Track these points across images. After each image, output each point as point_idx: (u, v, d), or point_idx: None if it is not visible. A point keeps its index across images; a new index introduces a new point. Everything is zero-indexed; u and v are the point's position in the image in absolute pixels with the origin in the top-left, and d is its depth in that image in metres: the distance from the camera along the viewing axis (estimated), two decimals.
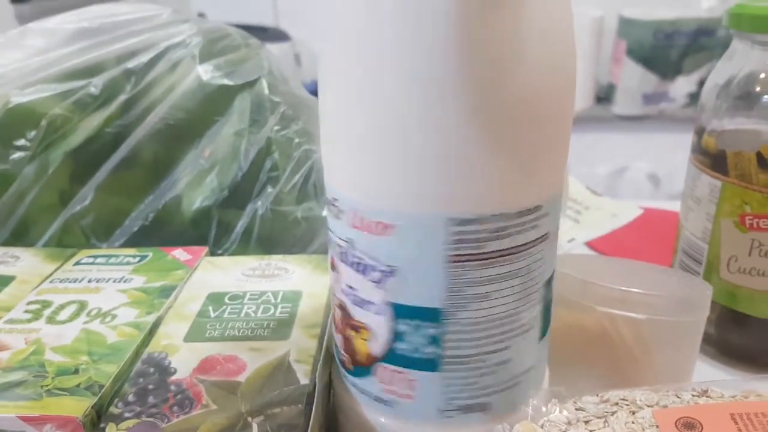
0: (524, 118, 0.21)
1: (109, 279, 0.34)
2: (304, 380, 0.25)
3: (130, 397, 0.25)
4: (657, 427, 0.21)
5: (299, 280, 0.33)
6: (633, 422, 0.21)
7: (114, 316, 0.30)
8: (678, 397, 0.23)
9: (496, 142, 0.20)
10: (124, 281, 0.34)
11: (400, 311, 0.23)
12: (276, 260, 0.35)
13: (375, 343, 0.24)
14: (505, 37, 0.19)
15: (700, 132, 0.36)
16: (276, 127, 0.40)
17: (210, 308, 0.31)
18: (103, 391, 0.25)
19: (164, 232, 0.40)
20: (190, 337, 0.29)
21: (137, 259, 0.36)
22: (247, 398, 0.25)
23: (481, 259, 0.22)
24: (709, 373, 0.34)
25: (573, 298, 0.30)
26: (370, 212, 0.22)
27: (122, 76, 0.41)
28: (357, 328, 0.24)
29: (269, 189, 0.40)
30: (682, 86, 1.71)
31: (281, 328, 0.29)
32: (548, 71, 0.21)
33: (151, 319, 0.30)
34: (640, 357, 0.29)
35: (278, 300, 0.31)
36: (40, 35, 0.45)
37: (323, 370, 0.27)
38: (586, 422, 0.22)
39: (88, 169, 0.40)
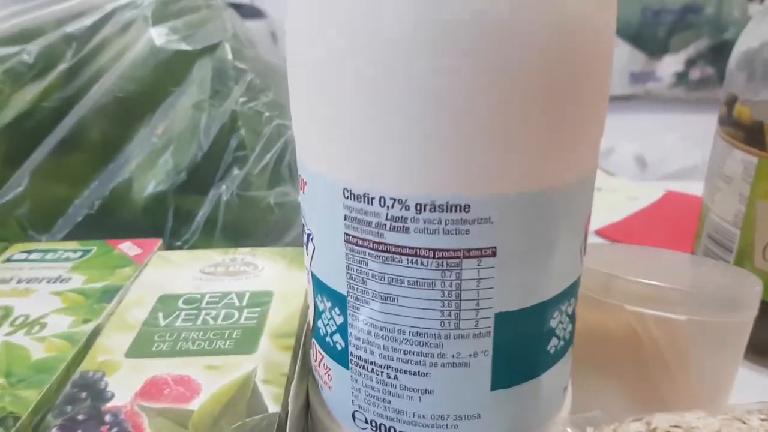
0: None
1: (42, 279, 0.28)
2: (273, 407, 0.20)
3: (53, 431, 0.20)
4: None
5: (270, 279, 0.28)
6: None
7: (43, 326, 0.25)
8: (744, 422, 0.18)
9: (384, 108, 0.16)
10: (61, 281, 0.28)
11: (318, 285, 0.20)
12: (243, 254, 0.30)
13: (310, 313, 0.22)
14: None
15: (730, 102, 0.31)
16: (242, 99, 0.35)
17: (160, 314, 0.25)
18: (18, 425, 0.20)
19: (113, 222, 0.34)
20: (133, 352, 0.23)
21: (78, 254, 0.31)
22: (206, 428, 0.19)
23: (380, 250, 0.18)
24: (746, 377, 0.29)
25: (595, 295, 0.25)
26: (299, 166, 0.20)
27: (62, 42, 0.35)
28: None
29: (235, 171, 0.34)
30: (669, 65, 1.67)
31: (246, 339, 0.24)
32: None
33: (88, 328, 0.25)
34: (675, 364, 0.24)
35: (244, 303, 0.26)
36: None
37: (298, 390, 0.22)
38: None
39: (23, 149, 0.34)
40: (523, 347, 0.19)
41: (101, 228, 0.34)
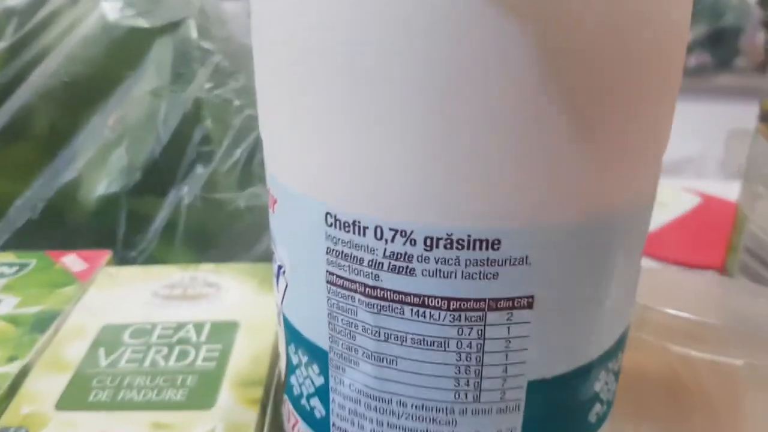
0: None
1: None
2: None
3: None
4: None
5: (236, 304, 0.23)
6: None
7: None
8: None
9: (386, 111, 0.12)
10: None
11: (291, 333, 0.16)
12: (205, 272, 0.25)
13: (282, 364, 0.17)
14: None
15: None
16: (208, 85, 0.30)
17: (101, 351, 0.21)
18: None
19: (58, 227, 0.29)
20: (65, 403, 0.19)
21: (14, 268, 0.26)
22: None
23: (374, 297, 0.13)
24: None
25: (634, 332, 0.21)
26: (269, 180, 0.15)
27: (0, 17, 0.30)
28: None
29: (199, 169, 0.29)
30: None
31: (204, 387, 0.19)
32: None
33: (13, 369, 0.20)
34: (726, 414, 0.20)
35: (202, 338, 0.21)
36: None
37: None
38: None
39: None
40: (560, 421, 0.14)
41: (44, 235, 0.29)
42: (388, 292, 0.13)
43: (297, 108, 0.13)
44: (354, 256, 0.13)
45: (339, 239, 0.13)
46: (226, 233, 0.30)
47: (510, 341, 0.13)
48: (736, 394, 0.20)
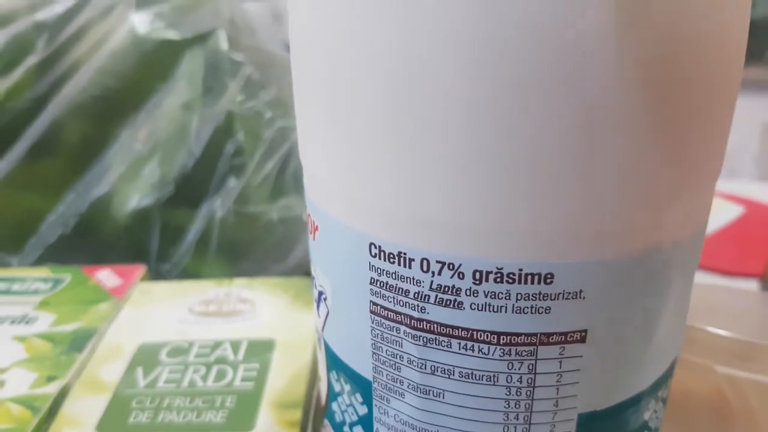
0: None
1: (6, 319, 0.24)
2: None
3: None
4: None
5: (271, 321, 0.23)
6: None
7: (2, 384, 0.20)
8: None
9: (435, 147, 0.11)
10: (26, 322, 0.24)
11: (333, 360, 0.15)
12: (239, 287, 0.25)
13: (322, 388, 0.17)
14: None
15: None
16: (239, 97, 0.30)
17: (139, 371, 0.21)
18: None
19: (91, 242, 0.30)
20: (106, 425, 0.19)
21: (49, 284, 0.26)
22: None
23: (421, 329, 0.13)
24: None
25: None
26: (310, 207, 0.15)
27: (31, 31, 0.30)
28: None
29: (232, 182, 0.29)
30: None
31: (242, 409, 0.19)
32: None
33: (52, 389, 0.20)
34: None
35: (239, 357, 0.21)
36: None
37: None
38: None
39: None
40: None
41: (78, 248, 0.30)
42: (435, 325, 0.13)
43: (340, 137, 0.13)
44: (399, 288, 0.13)
45: (383, 270, 0.13)
46: (259, 246, 0.29)
47: (561, 375, 0.13)
48: None
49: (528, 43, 0.10)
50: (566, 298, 0.12)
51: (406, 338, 0.13)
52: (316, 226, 0.15)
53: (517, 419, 0.13)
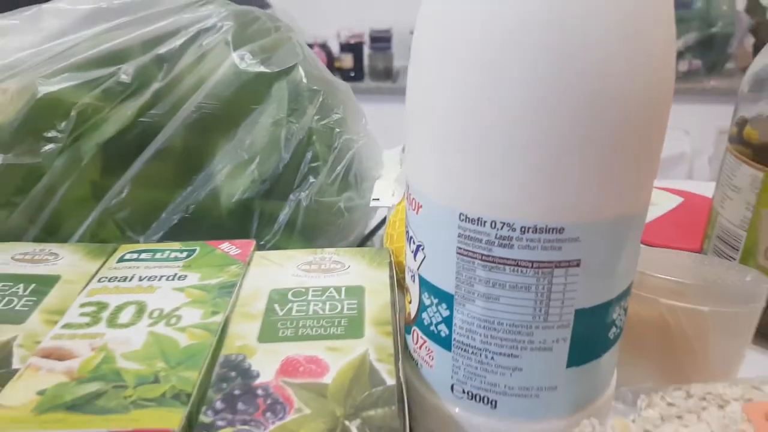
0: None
1: (161, 277, 0.33)
2: (390, 380, 0.26)
3: (218, 404, 0.25)
4: (749, 421, 0.22)
5: (358, 275, 0.33)
6: (724, 417, 0.22)
7: (179, 318, 0.30)
8: (759, 389, 0.24)
9: (500, 155, 0.21)
10: (179, 278, 0.33)
11: (425, 285, 0.26)
12: (329, 254, 0.35)
13: (413, 307, 0.28)
14: None
15: (741, 124, 0.37)
16: (316, 117, 0.40)
17: (276, 306, 0.31)
18: (191, 399, 0.25)
19: (202, 224, 0.39)
20: (264, 338, 0.29)
21: (184, 254, 0.36)
22: (338, 401, 0.25)
23: (487, 260, 0.23)
24: (753, 358, 0.35)
25: (632, 290, 0.31)
26: (412, 192, 0.25)
27: (153, 63, 0.40)
28: (407, 290, 0.29)
29: (311, 179, 0.39)
30: None
31: (353, 325, 0.29)
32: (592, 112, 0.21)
33: (218, 319, 0.30)
34: (698, 347, 0.30)
35: (342, 296, 0.31)
36: (55, 16, 0.43)
37: (402, 367, 0.27)
38: (679, 417, 0.23)
39: (120, 160, 0.39)
40: (592, 335, 0.24)
41: (192, 230, 0.39)
42: (497, 258, 0.23)
43: (446, 152, 0.23)
44: (476, 238, 0.23)
45: (467, 228, 0.23)
46: (331, 227, 0.39)
47: (566, 285, 0.23)
48: (705, 330, 0.30)
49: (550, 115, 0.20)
50: (570, 241, 0.22)
51: (478, 267, 0.23)
52: (420, 204, 0.25)
53: (540, 311, 0.23)
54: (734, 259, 0.38)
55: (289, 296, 0.31)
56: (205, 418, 0.24)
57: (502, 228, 0.22)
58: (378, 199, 0.40)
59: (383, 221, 0.48)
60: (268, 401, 0.25)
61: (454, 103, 0.21)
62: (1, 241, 0.37)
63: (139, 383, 0.26)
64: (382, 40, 1.98)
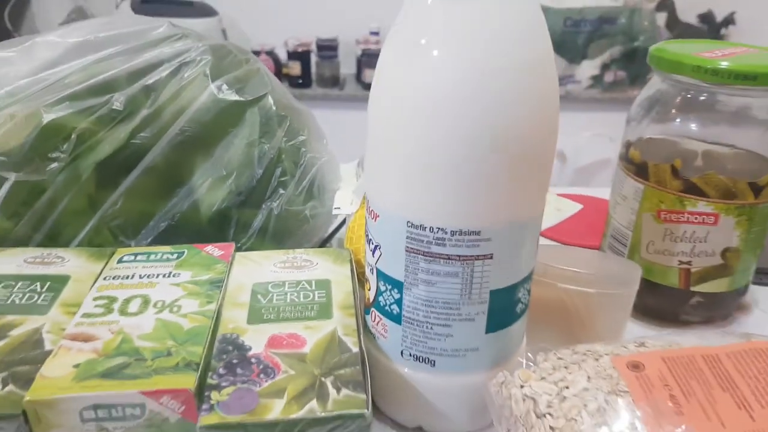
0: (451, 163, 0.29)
1: (158, 275, 0.40)
2: (354, 349, 0.34)
3: (221, 370, 0.32)
4: (614, 368, 0.31)
5: (325, 270, 0.41)
6: (597, 366, 0.31)
7: (179, 307, 0.37)
8: (625, 347, 0.33)
9: (436, 180, 0.29)
10: (173, 276, 0.40)
11: (381, 275, 0.34)
12: (300, 254, 0.42)
13: (371, 293, 0.35)
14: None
15: (627, 146, 0.46)
16: (284, 139, 0.47)
17: (259, 296, 0.38)
18: (200, 367, 0.32)
19: (186, 231, 0.46)
20: (251, 321, 0.36)
21: (175, 255, 0.42)
22: (315, 364, 0.32)
23: (427, 255, 0.31)
24: (634, 328, 0.45)
25: (537, 277, 0.39)
26: (370, 203, 0.33)
27: (141, 92, 0.46)
28: (366, 280, 0.36)
29: (281, 191, 0.46)
30: (586, 69, 1.87)
31: (323, 309, 0.37)
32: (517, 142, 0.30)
33: (213, 307, 0.37)
34: (587, 321, 0.39)
35: (313, 287, 0.39)
36: (47, 48, 0.49)
37: (363, 335, 0.35)
38: (566, 367, 0.31)
39: (114, 176, 0.45)
40: (503, 309, 0.33)
41: (177, 236, 0.46)
42: (434, 254, 0.31)
43: (397, 173, 0.30)
44: (419, 239, 0.31)
45: (413, 232, 0.31)
46: (297, 232, 0.47)
47: (483, 272, 0.31)
48: (593, 308, 0.39)
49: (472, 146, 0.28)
50: (485, 241, 0.30)
51: (421, 260, 0.31)
52: (377, 215, 0.32)
53: (466, 292, 0.31)
54: (624, 254, 0.47)
55: (269, 288, 0.39)
56: (211, 380, 0.32)
57: (437, 232, 0.30)
58: (339, 208, 0.47)
59: (340, 226, 0.55)
60: (261, 366, 0.32)
61: (402, 145, 0.29)
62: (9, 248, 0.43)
63: (155, 356, 0.32)
64: (328, 49, 2.06)
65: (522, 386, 0.31)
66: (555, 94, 0.30)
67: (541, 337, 0.38)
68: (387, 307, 0.34)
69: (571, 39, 1.83)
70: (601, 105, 1.93)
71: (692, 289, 0.45)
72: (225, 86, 0.47)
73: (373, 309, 0.35)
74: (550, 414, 0.29)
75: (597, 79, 1.93)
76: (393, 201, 0.31)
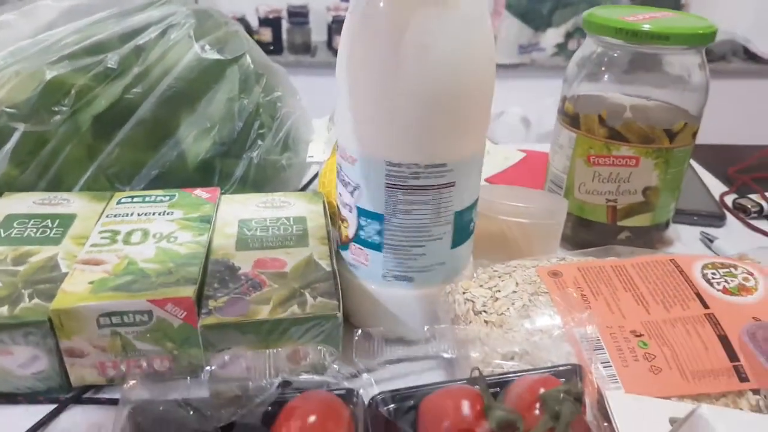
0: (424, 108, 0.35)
1: (154, 213, 0.46)
2: (328, 268, 0.40)
3: (216, 285, 0.38)
4: (538, 276, 0.38)
5: (301, 210, 0.47)
6: (525, 275, 0.38)
7: (175, 238, 0.43)
8: (548, 261, 0.40)
9: (410, 124, 0.36)
10: (167, 214, 0.46)
11: (362, 212, 0.39)
12: (278, 196, 0.48)
13: (350, 230, 0.41)
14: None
15: (563, 100, 0.53)
16: (262, 94, 0.52)
17: (245, 229, 0.44)
18: (197, 282, 0.38)
19: (175, 178, 0.51)
20: (239, 248, 0.42)
21: (167, 198, 0.48)
22: (295, 280, 0.39)
23: (404, 189, 0.37)
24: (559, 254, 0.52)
25: (484, 212, 0.46)
26: (347, 150, 0.38)
27: (132, 52, 0.51)
28: (342, 220, 0.41)
29: (259, 142, 0.52)
30: (551, 37, 1.94)
31: (301, 240, 0.43)
32: (464, 76, 0.36)
33: (204, 238, 0.43)
34: (524, 247, 0.46)
35: (291, 222, 0.45)
36: (45, 11, 0.53)
37: (335, 261, 0.41)
38: (499, 277, 0.38)
39: (109, 128, 0.50)
40: (463, 227, 0.40)
41: (167, 183, 0.51)
42: (411, 186, 0.37)
43: (378, 122, 0.36)
44: (398, 175, 0.37)
45: (392, 170, 0.37)
46: (275, 179, 0.53)
47: (450, 197, 0.38)
48: (528, 236, 0.46)
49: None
50: (448, 171, 0.37)
51: (399, 193, 0.37)
52: (355, 158, 0.38)
53: (435, 214, 0.38)
54: (561, 194, 0.54)
55: (253, 223, 0.45)
56: (208, 292, 0.38)
57: (413, 167, 0.36)
58: (312, 156, 0.53)
59: (313, 178, 0.61)
60: (249, 282, 0.39)
61: (379, 100, 0.35)
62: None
63: (158, 275, 0.38)
64: (299, 15, 2.08)
65: (464, 293, 0.38)
66: (491, 51, 0.37)
67: (485, 259, 0.45)
68: (369, 239, 0.40)
69: (536, 7, 1.89)
70: (565, 72, 2.00)
71: (619, 224, 0.53)
72: (207, 46, 0.52)
73: (352, 243, 0.41)
74: (485, 311, 0.36)
75: (561, 47, 1.99)
76: (371, 146, 0.37)
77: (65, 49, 0.49)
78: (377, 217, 0.39)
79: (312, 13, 2.10)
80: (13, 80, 0.47)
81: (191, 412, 0.27)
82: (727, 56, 2.04)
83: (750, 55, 2.08)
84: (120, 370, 0.38)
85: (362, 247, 0.41)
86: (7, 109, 0.46)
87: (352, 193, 0.39)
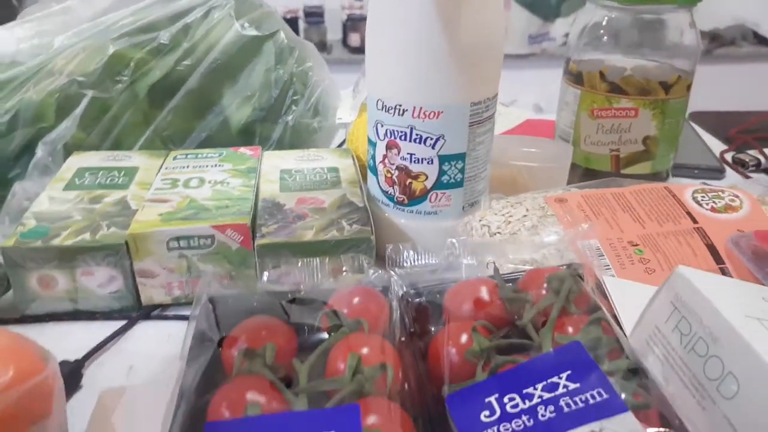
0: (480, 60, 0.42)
1: (207, 165, 0.52)
2: (360, 204, 0.46)
3: (266, 217, 0.44)
4: (546, 203, 0.44)
5: (333, 162, 0.53)
6: (534, 203, 0.44)
7: (228, 183, 0.49)
8: (555, 192, 0.45)
9: (486, 66, 0.42)
10: (219, 166, 0.52)
11: (444, 158, 0.44)
12: (313, 152, 0.55)
13: (429, 181, 0.45)
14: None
15: (568, 61, 0.59)
16: (295, 65, 0.59)
17: (286, 176, 0.50)
18: (251, 214, 0.44)
19: (220, 141, 0.58)
20: (282, 190, 0.48)
21: (217, 154, 0.54)
22: (333, 212, 0.45)
23: (480, 122, 0.43)
24: None
25: (496, 159, 0.52)
26: (430, 107, 0.42)
27: (181, 31, 0.58)
28: (417, 176, 0.45)
29: (294, 108, 0.58)
30: (560, 27, 1.99)
31: (335, 184, 0.49)
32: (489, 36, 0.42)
33: (253, 183, 0.49)
34: (531, 187, 0.52)
35: (326, 171, 0.51)
36: None
37: (367, 201, 0.47)
38: (512, 206, 0.44)
39: (162, 97, 0.57)
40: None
41: (213, 145, 0.58)
42: (484, 119, 0.43)
43: (464, 74, 0.42)
44: (476, 112, 0.43)
45: (475, 110, 0.43)
46: (308, 141, 0.59)
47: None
48: (535, 178, 0.51)
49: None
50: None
51: (476, 129, 0.43)
52: (440, 112, 0.44)
53: (491, 139, 0.44)
54: None
55: (293, 172, 0.51)
56: (260, 221, 0.44)
57: (486, 102, 0.43)
58: (341, 118, 0.59)
59: (341, 143, 0.68)
60: (293, 214, 0.45)
61: (468, 48, 0.41)
62: None
63: (217, 208, 0.45)
64: (315, 15, 2.15)
65: (480, 220, 0.44)
66: (501, 8, 0.42)
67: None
68: (451, 180, 0.45)
69: None
70: (567, 40, 2.04)
71: (622, 171, 0.58)
72: (246, 24, 0.59)
73: (433, 192, 0.45)
74: (499, 233, 0.42)
75: None
76: (459, 93, 0.42)
77: (123, 28, 0.56)
78: (460, 157, 0.44)
79: (327, 12, 2.17)
80: (81, 55, 0.54)
81: (257, 299, 0.33)
82: (737, 41, 2.08)
83: (760, 39, 2.11)
84: (184, 290, 0.44)
85: (444, 191, 0.45)
86: (79, 78, 0.53)
87: (433, 145, 0.43)
